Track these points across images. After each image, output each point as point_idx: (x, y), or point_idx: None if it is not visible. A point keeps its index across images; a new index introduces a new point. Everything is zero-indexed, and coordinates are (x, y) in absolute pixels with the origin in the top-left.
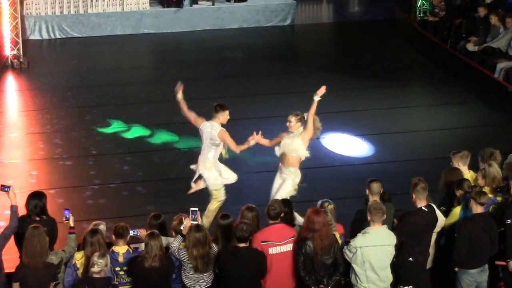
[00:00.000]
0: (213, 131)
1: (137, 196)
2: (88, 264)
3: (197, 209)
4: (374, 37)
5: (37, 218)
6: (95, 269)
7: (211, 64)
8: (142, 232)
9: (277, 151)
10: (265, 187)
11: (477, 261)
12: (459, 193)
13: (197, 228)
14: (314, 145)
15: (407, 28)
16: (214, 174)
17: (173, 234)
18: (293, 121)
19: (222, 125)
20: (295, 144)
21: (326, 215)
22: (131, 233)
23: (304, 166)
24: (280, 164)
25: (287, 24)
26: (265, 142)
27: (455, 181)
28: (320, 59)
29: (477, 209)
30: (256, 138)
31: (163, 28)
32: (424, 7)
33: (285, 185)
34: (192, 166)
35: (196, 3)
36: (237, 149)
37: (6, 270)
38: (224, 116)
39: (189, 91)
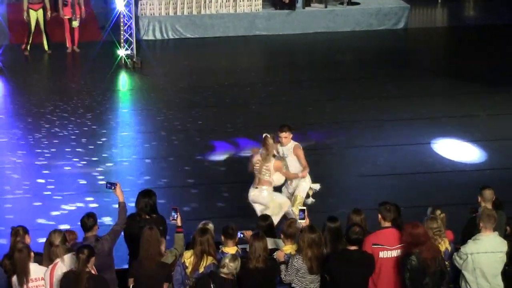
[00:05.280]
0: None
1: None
2: (197, 262)
3: (305, 208)
4: (490, 42)
5: (147, 217)
6: (224, 270)
7: (323, 67)
8: (248, 234)
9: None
10: (370, 190)
11: None
12: None
13: (311, 229)
14: (425, 151)
15: None
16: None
17: (282, 236)
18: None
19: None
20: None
21: (437, 221)
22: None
23: (415, 171)
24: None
25: (400, 28)
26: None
27: None
28: (433, 63)
29: None
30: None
31: (275, 30)
32: None
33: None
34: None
35: (309, 6)
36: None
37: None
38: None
39: (300, 93)
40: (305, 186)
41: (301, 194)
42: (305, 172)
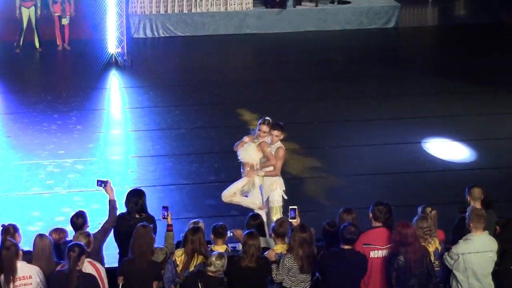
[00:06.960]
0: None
1: None
2: (188, 261)
3: (296, 207)
4: (480, 41)
5: (137, 216)
6: (211, 268)
7: (313, 66)
8: (238, 233)
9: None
10: (361, 189)
11: None
12: None
13: (302, 228)
14: (416, 150)
15: None
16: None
17: (272, 236)
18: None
19: None
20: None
21: (427, 221)
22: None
23: (406, 171)
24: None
25: (391, 27)
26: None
27: None
28: (423, 62)
29: None
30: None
31: (266, 28)
32: None
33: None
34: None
35: (300, 4)
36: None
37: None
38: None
39: (290, 92)
40: (276, 194)
41: (275, 204)
42: (268, 171)
